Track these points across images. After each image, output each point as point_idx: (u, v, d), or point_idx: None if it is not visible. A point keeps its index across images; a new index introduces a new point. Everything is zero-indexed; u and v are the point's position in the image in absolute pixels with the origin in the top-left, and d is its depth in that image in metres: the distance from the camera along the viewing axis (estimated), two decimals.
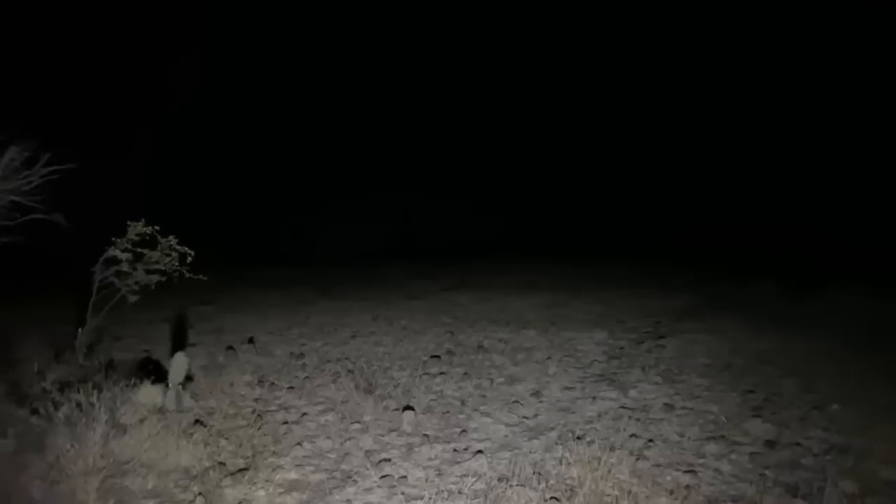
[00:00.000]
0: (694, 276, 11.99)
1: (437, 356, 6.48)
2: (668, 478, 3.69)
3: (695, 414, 4.70)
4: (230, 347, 6.75)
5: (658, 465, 3.84)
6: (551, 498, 3.44)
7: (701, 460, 3.93)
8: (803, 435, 4.24)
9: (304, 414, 4.90)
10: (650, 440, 4.21)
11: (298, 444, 4.31)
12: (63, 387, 4.35)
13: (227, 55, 21.93)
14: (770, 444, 4.13)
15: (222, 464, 3.95)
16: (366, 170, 22.49)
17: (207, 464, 3.92)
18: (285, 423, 4.71)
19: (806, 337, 6.67)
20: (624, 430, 4.36)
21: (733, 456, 3.96)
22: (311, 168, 22.10)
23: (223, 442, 4.29)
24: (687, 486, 3.56)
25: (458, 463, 4.01)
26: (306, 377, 5.84)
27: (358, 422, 4.72)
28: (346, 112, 23.12)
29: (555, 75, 24.37)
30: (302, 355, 6.62)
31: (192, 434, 4.23)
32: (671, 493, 3.49)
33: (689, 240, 17.65)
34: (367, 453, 4.18)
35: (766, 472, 3.72)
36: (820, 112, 19.07)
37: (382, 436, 4.49)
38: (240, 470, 3.86)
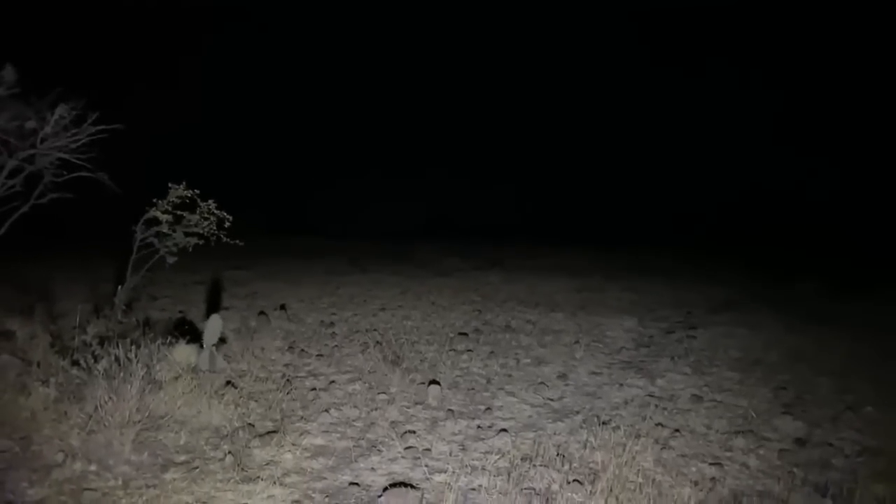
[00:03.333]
0: (733, 270, 11.78)
1: (465, 333, 6.50)
2: (693, 469, 3.66)
3: (723, 407, 4.64)
4: (262, 313, 6.87)
5: (683, 456, 3.81)
6: (574, 480, 3.44)
7: (728, 454, 3.88)
8: (835, 435, 4.15)
9: (333, 382, 4.98)
10: (676, 430, 4.17)
11: (326, 410, 4.38)
12: (102, 341, 4.49)
13: (262, 28, 22.00)
14: (800, 442, 4.05)
15: (251, 425, 4.04)
16: (409, 150, 22.56)
17: (237, 424, 4.01)
18: (314, 389, 4.79)
19: (845, 337, 6.50)
20: (650, 418, 4.33)
21: (761, 451, 3.90)
22: (349, 144, 22.27)
23: (253, 404, 4.39)
24: (712, 479, 3.52)
25: (482, 440, 4.03)
26: (335, 346, 5.93)
27: (384, 393, 4.78)
28: (390, 91, 23.17)
29: (596, 63, 23.95)
30: (332, 324, 6.71)
31: (223, 395, 4.33)
32: (696, 484, 3.46)
33: (732, 233, 17.33)
34: (393, 424, 4.23)
35: (795, 469, 3.65)
36: (877, 108, 18.41)
37: (408, 408, 4.54)
38: (268, 432, 3.95)
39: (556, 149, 23.39)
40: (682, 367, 5.55)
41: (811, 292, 9.22)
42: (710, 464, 3.71)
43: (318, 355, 5.60)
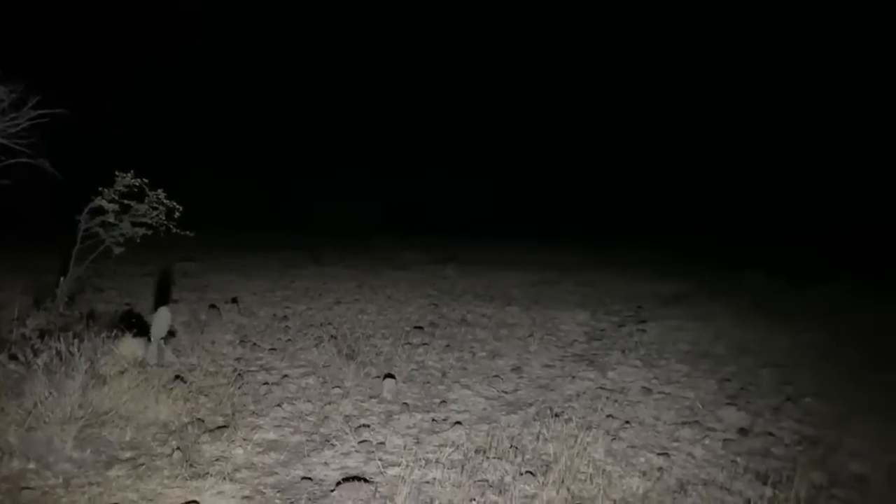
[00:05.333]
0: (687, 263, 12.09)
1: (420, 327, 6.50)
2: (642, 459, 3.75)
3: (671, 398, 4.76)
4: (213, 306, 6.72)
5: (633, 447, 3.90)
6: (527, 472, 3.48)
7: (675, 444, 3.98)
8: (776, 425, 4.31)
9: (285, 376, 4.90)
10: (626, 422, 4.26)
11: (278, 405, 4.32)
12: (43, 334, 4.31)
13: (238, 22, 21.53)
14: (743, 431, 4.19)
15: (201, 420, 3.95)
16: (372, 145, 22.41)
17: (186, 419, 3.92)
18: (266, 383, 4.72)
19: (788, 329, 6.73)
20: (601, 410, 4.41)
21: (706, 441, 4.02)
22: (326, 140, 22.00)
23: (203, 399, 4.29)
24: (660, 469, 3.62)
25: (437, 433, 4.04)
26: (289, 340, 5.84)
27: (338, 387, 4.73)
28: (361, 89, 22.94)
29: (560, 61, 24.20)
30: (285, 318, 6.61)
31: (172, 389, 4.22)
32: (644, 474, 3.54)
33: (692, 226, 17.79)
34: (347, 418, 4.19)
35: (738, 458, 3.77)
36: (846, 100, 19.02)
37: (362, 402, 4.51)
38: (218, 427, 3.87)
39: (529, 146, 23.58)
40: (633, 359, 5.67)
41: (759, 285, 9.53)
42: (658, 454, 3.80)
43: (270, 349, 5.51)
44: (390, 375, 4.92)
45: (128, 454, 3.47)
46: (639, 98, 23.13)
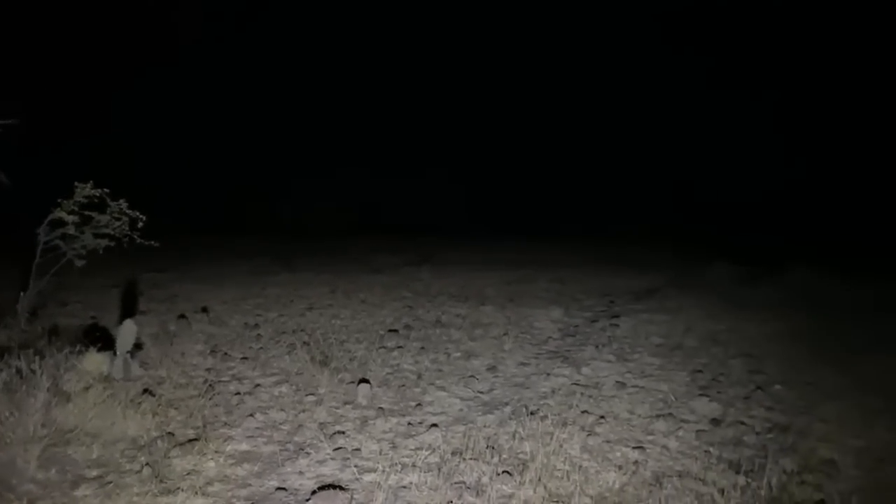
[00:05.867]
0: (658, 258, 12.20)
1: (395, 330, 6.46)
2: (618, 453, 3.77)
3: (645, 392, 4.80)
4: (183, 316, 6.59)
5: (608, 441, 3.92)
6: (503, 472, 3.47)
7: (649, 437, 4.01)
8: (747, 414, 4.37)
9: (258, 385, 4.83)
10: (601, 417, 4.28)
11: (251, 415, 4.25)
12: (3, 353, 4.17)
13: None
14: (715, 422, 4.25)
15: (171, 434, 3.86)
16: (347, 147, 22.17)
17: (156, 433, 3.83)
18: (238, 393, 4.64)
19: (758, 319, 6.85)
20: (576, 406, 4.43)
21: (680, 433, 4.06)
22: (283, 143, 21.71)
23: (173, 412, 4.20)
24: (635, 462, 3.64)
25: (413, 436, 4.01)
26: (261, 348, 5.76)
27: (312, 394, 4.68)
28: (328, 92, 22.69)
29: (531, 58, 24.13)
30: (257, 326, 6.52)
31: (140, 403, 4.12)
32: (620, 468, 3.56)
33: (666, 222, 18.01)
34: (321, 425, 4.14)
35: (711, 449, 3.82)
36: (821, 97, 19.27)
37: (337, 408, 4.46)
38: (189, 440, 3.79)
39: (501, 145, 23.48)
40: (606, 354, 5.71)
41: (726, 276, 9.68)
42: (633, 448, 3.83)
43: (242, 358, 5.42)
44: (365, 380, 4.88)
45: (95, 472, 3.38)
46: (616, 93, 23.10)
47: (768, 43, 20.56)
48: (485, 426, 4.13)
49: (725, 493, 3.26)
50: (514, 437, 3.93)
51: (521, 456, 3.70)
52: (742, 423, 4.24)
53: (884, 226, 14.03)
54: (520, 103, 24.02)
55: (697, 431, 4.09)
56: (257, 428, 4.08)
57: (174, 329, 6.18)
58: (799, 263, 9.68)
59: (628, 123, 22.89)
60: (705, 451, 3.79)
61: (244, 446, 3.81)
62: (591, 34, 23.31)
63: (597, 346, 5.97)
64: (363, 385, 4.75)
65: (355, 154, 21.94)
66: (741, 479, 3.41)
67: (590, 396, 4.67)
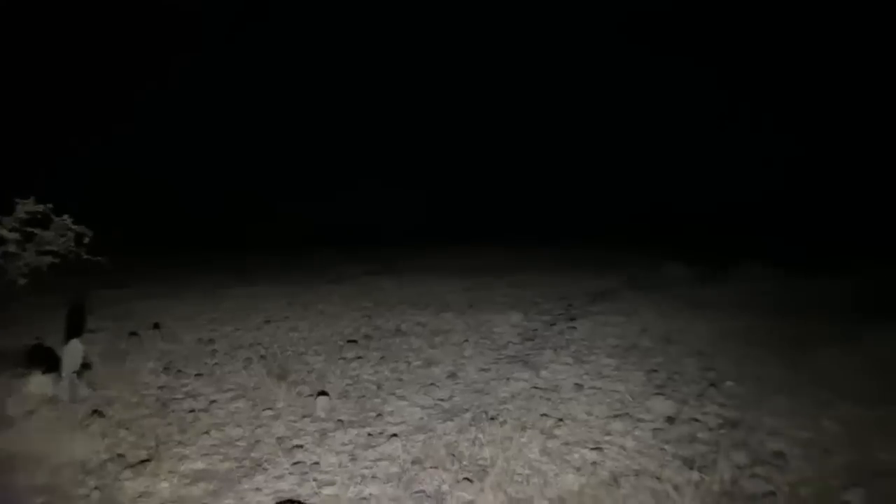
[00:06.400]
0: (616, 259, 12.40)
1: (354, 341, 6.40)
2: (576, 455, 3.81)
3: (602, 393, 4.86)
4: (134, 333, 6.41)
5: (567, 444, 3.96)
6: (464, 479, 3.47)
7: (607, 437, 4.07)
8: (700, 411, 4.47)
9: (213, 402, 4.72)
10: (560, 419, 4.32)
11: (206, 432, 4.15)
12: None
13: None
14: (670, 420, 4.33)
15: (122, 455, 3.75)
16: (306, 155, 21.95)
17: (105, 456, 3.71)
18: (192, 411, 4.53)
19: (710, 318, 7.01)
20: (535, 409, 4.47)
21: (637, 432, 4.12)
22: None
23: (123, 433, 4.07)
24: (593, 463, 3.69)
25: (373, 447, 3.98)
26: (216, 364, 5.64)
27: (270, 408, 4.60)
28: (294, 103, 22.43)
29: (499, 59, 24.10)
30: (212, 341, 6.38)
31: (88, 425, 4.00)
32: (578, 469, 3.60)
33: (627, 223, 18.32)
34: (279, 440, 4.08)
35: (666, 446, 3.89)
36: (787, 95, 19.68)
37: (295, 422, 4.39)
38: (141, 461, 3.68)
39: (449, 149, 23.51)
40: (565, 357, 5.77)
41: (680, 276, 9.91)
42: (592, 449, 3.88)
43: (196, 375, 5.30)
44: (324, 392, 4.82)
45: (41, 499, 3.25)
46: (587, 94, 23.26)
47: (750, 45, 20.79)
48: (445, 434, 4.13)
49: (680, 490, 3.33)
50: (474, 443, 3.94)
51: (481, 462, 3.70)
52: (696, 419, 4.33)
53: (850, 225, 14.59)
54: (483, 105, 24.06)
55: (653, 430, 4.16)
56: (213, 445, 3.99)
57: (125, 347, 6.01)
58: (751, 263, 9.95)
59: (599, 125, 23.12)
60: (661, 449, 3.86)
61: (199, 465, 3.72)
62: (562, 35, 23.36)
63: (555, 350, 6.03)
64: (322, 397, 4.69)
65: (316, 163, 21.77)
66: (695, 475, 3.48)
67: (548, 399, 4.71)
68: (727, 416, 4.39)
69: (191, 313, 7.66)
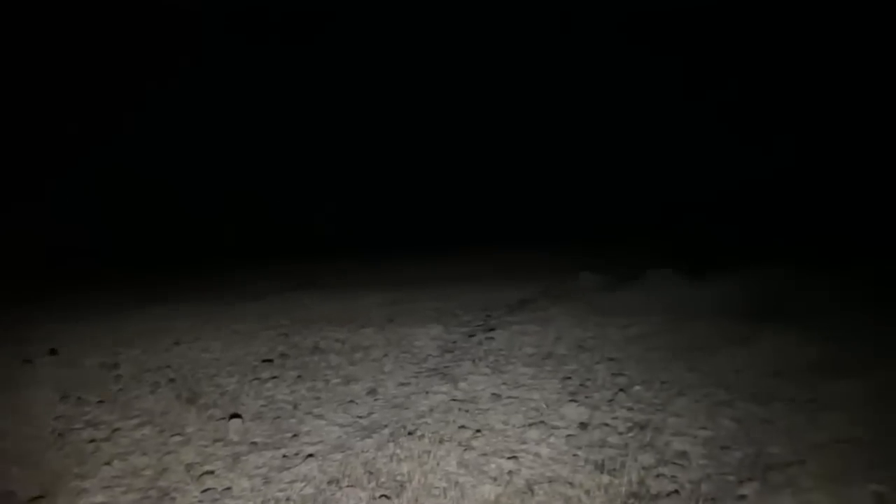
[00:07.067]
0: (532, 269, 12.68)
1: (270, 360, 6.24)
2: (493, 465, 3.86)
3: (519, 402, 4.96)
4: (27, 360, 5.98)
5: (484, 454, 4.01)
6: (381, 496, 3.45)
7: (523, 446, 4.15)
8: (611, 416, 4.64)
9: (116, 430, 4.47)
10: (478, 430, 4.38)
11: (107, 463, 3.92)
12: None
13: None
14: (583, 426, 4.47)
15: (12, 493, 3.49)
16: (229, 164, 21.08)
17: None
18: (93, 441, 4.27)
19: (621, 324, 7.31)
20: (454, 422, 4.50)
21: (551, 440, 4.23)
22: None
23: (14, 468, 3.80)
24: (509, 472, 3.75)
25: (288, 469, 3.88)
26: (120, 389, 5.35)
27: (179, 434, 4.41)
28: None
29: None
30: (116, 365, 6.05)
31: None
32: (495, 479, 3.66)
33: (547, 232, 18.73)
34: (188, 467, 3.91)
35: (579, 452, 4.02)
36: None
37: (206, 447, 4.23)
38: (33, 498, 3.44)
39: (385, 158, 23.11)
40: (483, 368, 5.86)
41: (593, 285, 10.26)
42: (508, 458, 3.95)
43: (98, 402, 5.01)
44: (236, 415, 4.67)
45: None
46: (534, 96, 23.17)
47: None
48: (363, 451, 4.09)
49: (591, 493, 3.45)
50: (392, 459, 3.92)
51: (398, 478, 3.69)
52: (607, 424, 4.49)
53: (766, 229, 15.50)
54: (425, 110, 23.68)
55: (567, 436, 4.29)
56: (115, 476, 3.78)
57: (17, 376, 5.60)
58: (660, 269, 10.42)
59: (546, 126, 23.10)
60: (574, 455, 3.98)
61: (99, 498, 3.51)
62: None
63: (474, 361, 6.10)
64: (234, 420, 4.55)
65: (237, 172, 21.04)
66: (605, 478, 3.62)
67: (467, 411, 4.76)
68: (635, 419, 4.58)
69: (94, 336, 7.24)
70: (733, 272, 9.30)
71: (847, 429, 4.10)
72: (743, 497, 3.41)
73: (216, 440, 4.34)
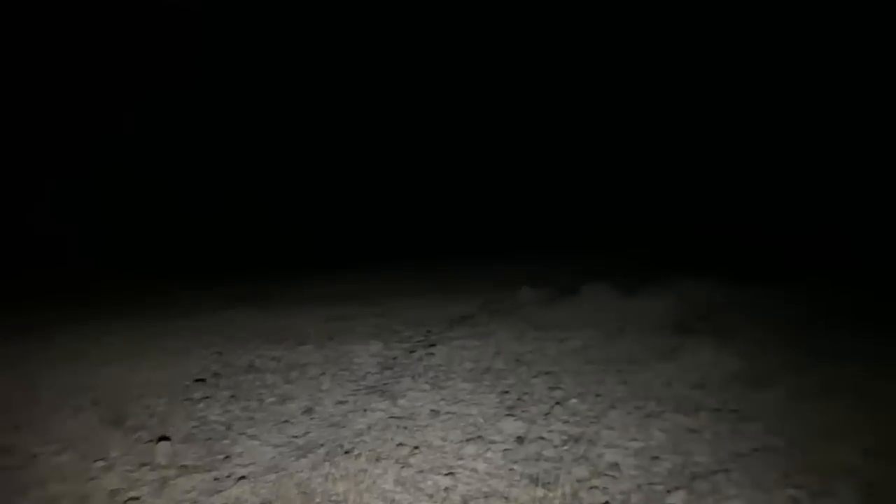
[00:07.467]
0: (471, 284, 12.76)
1: (202, 380, 6.05)
2: (430, 482, 3.86)
3: (457, 417, 4.98)
4: None
5: (421, 471, 4.00)
6: None
7: (460, 462, 4.16)
8: (547, 429, 4.71)
9: (34, 456, 4.24)
10: (416, 447, 4.37)
11: (21, 493, 3.71)
12: None
13: None
14: (520, 440, 4.52)
15: None
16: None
17: None
18: (6, 469, 4.03)
19: (557, 338, 7.44)
20: (391, 439, 4.48)
21: (488, 454, 4.26)
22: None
23: None
24: (446, 489, 3.76)
25: (219, 492, 3.77)
26: (39, 413, 5.07)
27: (103, 459, 4.21)
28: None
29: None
30: (34, 387, 5.73)
31: None
32: (431, 496, 3.66)
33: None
34: (112, 493, 3.75)
35: (515, 466, 4.06)
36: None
37: (131, 472, 4.05)
38: None
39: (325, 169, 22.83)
40: (422, 384, 5.85)
41: (531, 299, 10.42)
42: (445, 474, 3.95)
43: (14, 427, 4.73)
44: (165, 437, 4.51)
45: None
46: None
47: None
48: (297, 472, 4.01)
49: None
50: (327, 479, 3.86)
51: (333, 498, 3.64)
52: (543, 438, 4.56)
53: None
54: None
55: (504, 451, 4.33)
56: None
57: None
58: (595, 284, 10.68)
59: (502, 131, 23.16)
60: (510, 469, 4.02)
61: None
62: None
63: (413, 377, 6.09)
64: (163, 443, 4.38)
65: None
66: (540, 492, 3.67)
67: (405, 428, 4.75)
68: (570, 432, 4.67)
69: (11, 356, 6.84)
70: (665, 285, 9.62)
71: (765, 438, 4.30)
72: None
73: (142, 464, 4.17)
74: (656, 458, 4.16)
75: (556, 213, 21.88)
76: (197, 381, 6.01)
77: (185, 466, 4.14)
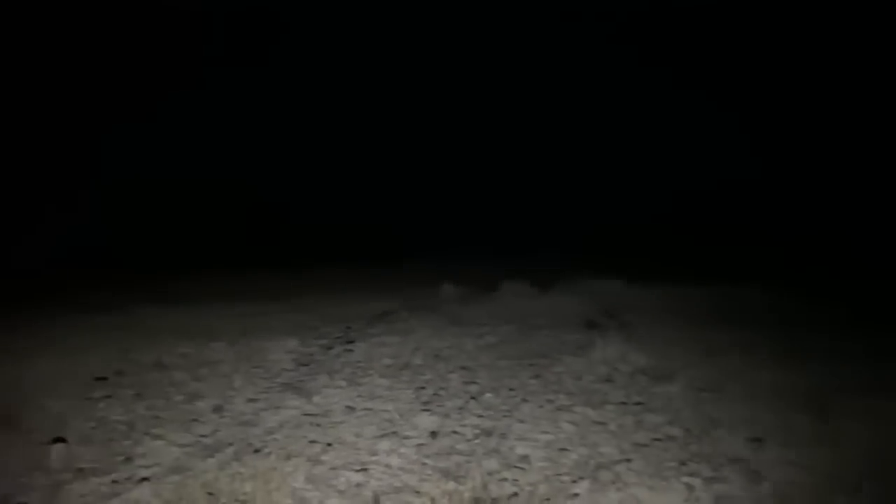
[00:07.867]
0: (394, 281, 12.76)
1: (104, 378, 5.76)
2: (342, 479, 3.84)
3: (373, 413, 4.98)
4: None
5: (333, 468, 3.97)
6: None
7: (373, 458, 4.16)
8: (461, 423, 4.79)
9: None
10: (328, 444, 4.33)
11: None
12: None
13: None
14: (434, 434, 4.58)
15: None
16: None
17: None
18: None
19: (475, 334, 7.58)
20: (304, 437, 4.42)
21: (402, 450, 4.28)
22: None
23: None
24: (357, 485, 3.75)
25: (118, 495, 3.60)
26: None
27: None
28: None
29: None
30: None
31: None
32: (342, 493, 3.64)
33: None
34: (2, 499, 3.50)
35: (428, 461, 4.11)
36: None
37: (21, 476, 3.81)
38: None
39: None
40: (339, 380, 5.81)
41: (452, 296, 10.55)
42: (357, 471, 3.94)
43: None
44: (61, 439, 4.26)
45: None
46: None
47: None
48: (204, 472, 3.89)
49: (436, 501, 3.55)
50: (234, 478, 3.77)
51: (241, 498, 3.56)
52: (456, 432, 4.63)
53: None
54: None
55: (417, 446, 4.36)
56: None
57: None
58: (513, 281, 10.92)
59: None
60: (423, 464, 4.06)
61: None
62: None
63: (330, 374, 6.03)
64: (57, 445, 4.14)
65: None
66: (451, 485, 3.73)
67: (318, 425, 4.70)
68: (484, 426, 4.76)
69: None
70: (579, 283, 9.98)
71: (666, 428, 4.55)
72: (575, 495, 3.67)
73: (34, 468, 3.92)
74: (564, 449, 4.31)
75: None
76: (98, 379, 5.70)
77: (81, 469, 3.93)
